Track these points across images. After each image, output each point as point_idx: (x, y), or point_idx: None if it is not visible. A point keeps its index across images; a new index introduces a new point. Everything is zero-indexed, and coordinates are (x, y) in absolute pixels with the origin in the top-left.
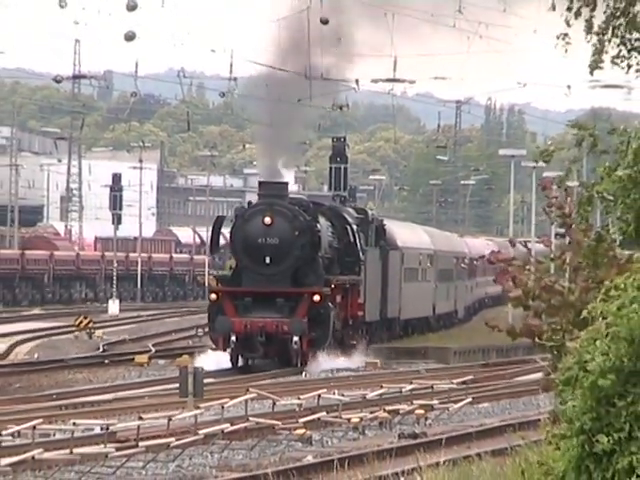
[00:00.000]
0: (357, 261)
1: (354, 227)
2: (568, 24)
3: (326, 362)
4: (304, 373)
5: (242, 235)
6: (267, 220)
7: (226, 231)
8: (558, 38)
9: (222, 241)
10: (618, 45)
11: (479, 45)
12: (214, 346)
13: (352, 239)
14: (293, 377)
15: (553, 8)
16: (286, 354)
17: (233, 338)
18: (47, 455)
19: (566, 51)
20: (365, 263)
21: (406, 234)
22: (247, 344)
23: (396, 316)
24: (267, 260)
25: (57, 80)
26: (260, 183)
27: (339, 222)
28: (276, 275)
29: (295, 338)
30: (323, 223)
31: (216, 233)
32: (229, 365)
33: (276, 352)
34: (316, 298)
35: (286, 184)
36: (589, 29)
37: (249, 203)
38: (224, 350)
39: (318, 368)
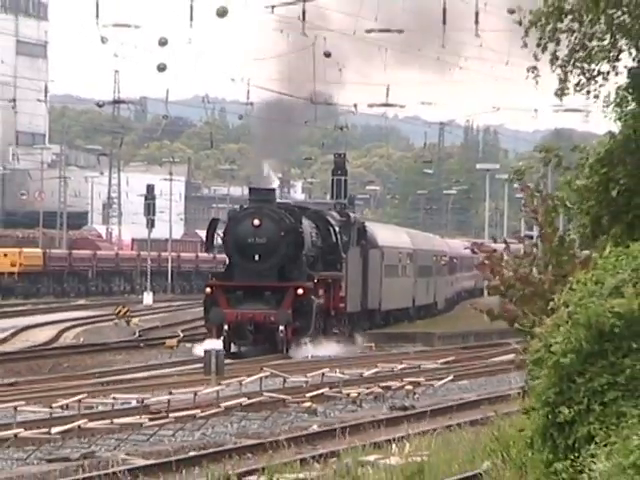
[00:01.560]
0: (339, 259)
1: (336, 229)
2: (536, 58)
3: (313, 349)
4: (309, 355)
5: (234, 235)
6: (256, 222)
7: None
8: (528, 71)
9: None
10: (579, 75)
11: (459, 75)
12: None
13: (334, 239)
14: (300, 358)
15: (525, 45)
16: (273, 341)
17: (226, 327)
18: (91, 425)
19: (537, 82)
20: (346, 260)
21: (386, 235)
22: (238, 332)
23: (376, 307)
24: (256, 257)
25: (99, 105)
26: (250, 189)
27: (323, 224)
28: (264, 271)
29: (281, 327)
30: (307, 225)
31: (211, 233)
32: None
33: (264, 340)
34: (300, 291)
35: (273, 190)
36: (554, 61)
37: (241, 207)
38: (218, 338)
39: (304, 354)
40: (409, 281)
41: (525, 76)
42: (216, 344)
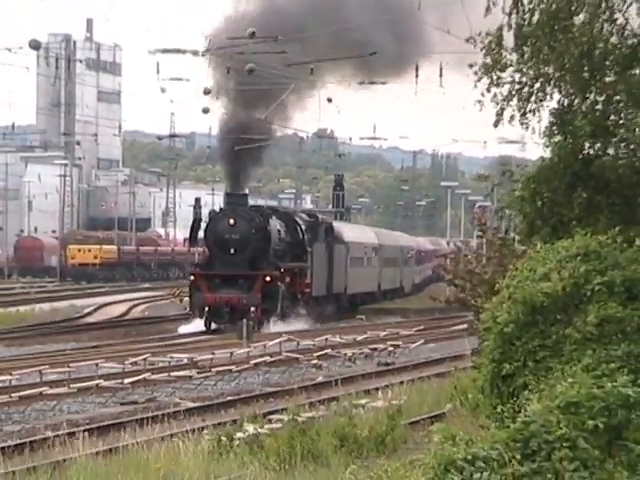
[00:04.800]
0: (304, 252)
1: (303, 227)
2: (482, 95)
3: (282, 326)
4: (308, 327)
5: (213, 232)
6: (231, 221)
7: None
8: (476, 102)
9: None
10: (513, 110)
11: (429, 116)
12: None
13: (301, 236)
14: (308, 326)
15: (475, 86)
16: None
17: (206, 309)
18: (153, 377)
19: (480, 110)
20: (312, 253)
21: (353, 233)
22: (217, 313)
23: (342, 292)
24: (232, 251)
25: (159, 138)
26: (227, 194)
27: (291, 223)
28: (238, 262)
29: (252, 309)
30: (276, 223)
31: (195, 231)
32: (204, 329)
33: (239, 319)
34: (267, 279)
35: (246, 195)
36: (494, 98)
37: (221, 209)
38: (200, 318)
39: (273, 330)
40: (375, 270)
41: (475, 112)
42: (199, 324)
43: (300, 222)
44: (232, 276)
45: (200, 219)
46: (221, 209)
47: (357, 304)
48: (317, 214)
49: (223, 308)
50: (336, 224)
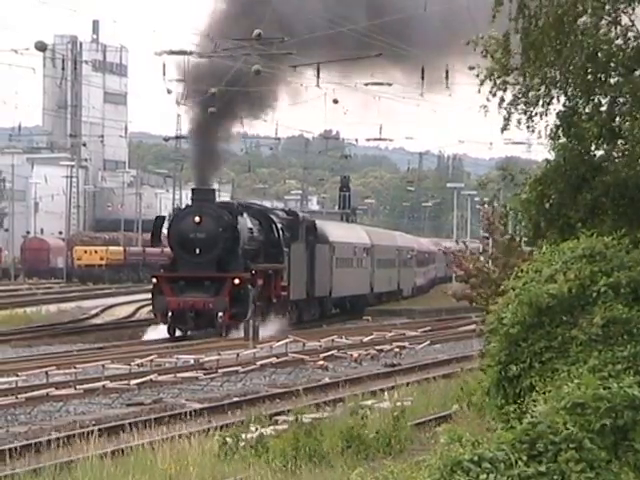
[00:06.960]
0: (280, 252)
1: (279, 225)
2: (488, 100)
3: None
4: (323, 325)
5: (177, 231)
6: (197, 219)
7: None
8: (481, 107)
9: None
10: (520, 114)
11: (434, 117)
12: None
13: (276, 235)
14: (315, 328)
15: (478, 91)
16: (213, 326)
17: (170, 314)
18: (160, 378)
19: (485, 115)
20: (289, 254)
21: (339, 232)
22: (180, 319)
23: (326, 295)
24: (197, 251)
25: (165, 139)
26: (193, 190)
27: (266, 221)
28: (204, 263)
29: (220, 313)
30: (246, 221)
31: (157, 229)
32: (167, 336)
33: (205, 324)
34: (236, 281)
35: (213, 190)
36: (501, 104)
37: (187, 205)
38: (164, 323)
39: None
40: (366, 271)
41: (481, 113)
42: (161, 330)
43: (276, 220)
44: (197, 278)
45: (163, 217)
46: (186, 206)
47: (346, 308)
48: (298, 212)
49: (187, 313)
50: (319, 223)
